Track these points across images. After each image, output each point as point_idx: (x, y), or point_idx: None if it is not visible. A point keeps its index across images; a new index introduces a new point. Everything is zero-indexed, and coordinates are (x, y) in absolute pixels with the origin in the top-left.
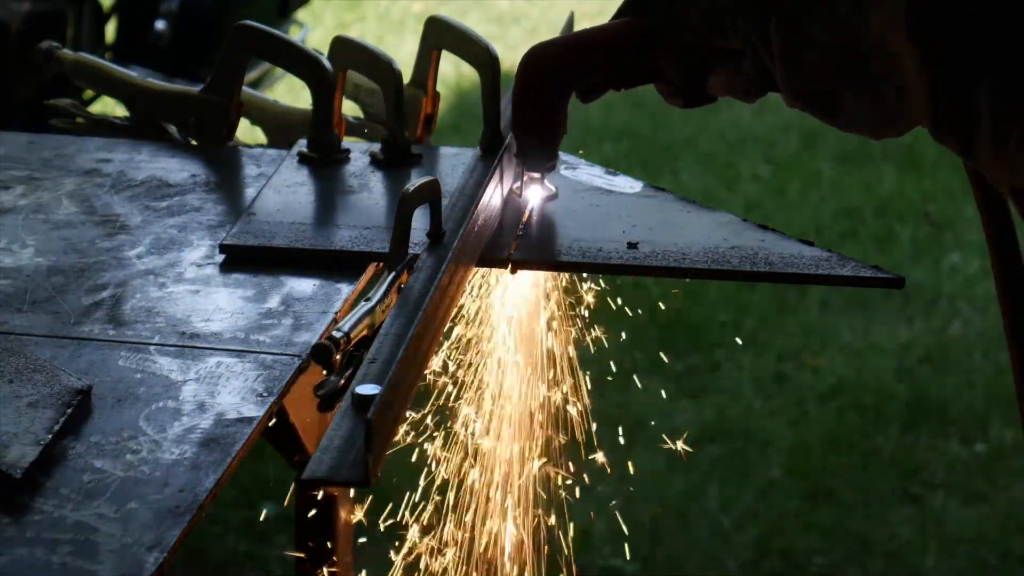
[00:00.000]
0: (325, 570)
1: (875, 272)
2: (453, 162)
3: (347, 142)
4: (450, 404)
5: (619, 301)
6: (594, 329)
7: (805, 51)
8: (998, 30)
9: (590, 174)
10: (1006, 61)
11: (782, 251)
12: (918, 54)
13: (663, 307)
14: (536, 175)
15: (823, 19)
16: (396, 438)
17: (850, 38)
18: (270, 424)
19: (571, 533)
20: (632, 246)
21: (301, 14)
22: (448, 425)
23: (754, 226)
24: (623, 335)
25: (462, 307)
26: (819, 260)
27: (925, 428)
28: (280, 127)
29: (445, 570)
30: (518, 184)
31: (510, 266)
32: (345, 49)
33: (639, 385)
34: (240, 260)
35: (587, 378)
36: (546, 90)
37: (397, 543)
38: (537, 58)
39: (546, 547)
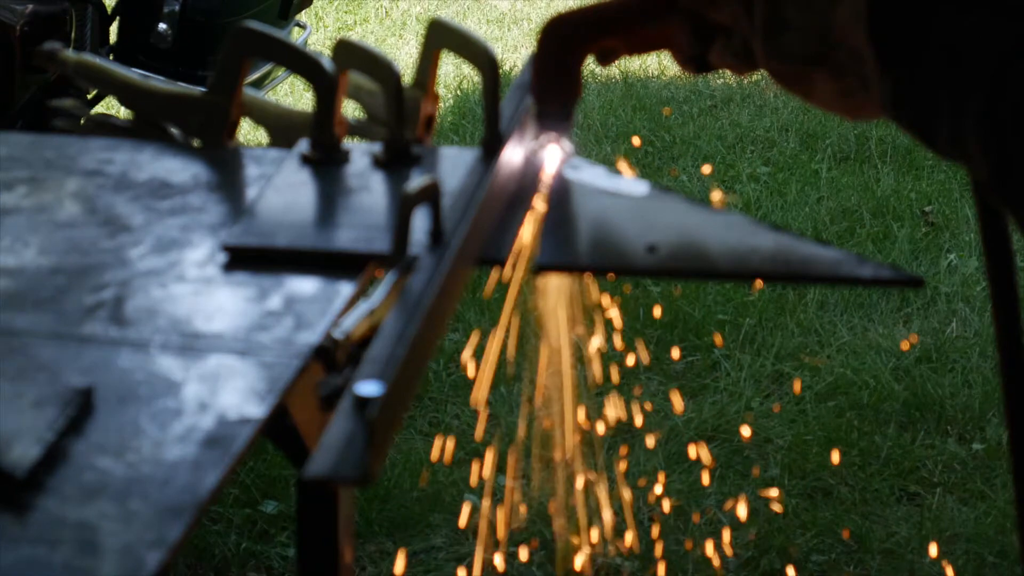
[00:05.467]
0: None
1: (894, 273)
2: (453, 162)
3: (348, 143)
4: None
5: (618, 302)
6: (594, 329)
7: (782, 32)
8: (952, 27)
9: (594, 175)
10: (960, 55)
11: (799, 252)
12: (876, 50)
13: (663, 307)
14: (553, 135)
15: (800, 4)
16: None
17: (821, 26)
18: (271, 423)
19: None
20: (651, 249)
21: (303, 16)
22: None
23: (767, 227)
24: (623, 335)
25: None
26: (837, 261)
27: (923, 427)
28: (282, 128)
29: None
30: (536, 144)
31: (533, 269)
32: (347, 51)
33: (639, 385)
34: (241, 260)
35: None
36: (564, 52)
37: None
38: (556, 23)
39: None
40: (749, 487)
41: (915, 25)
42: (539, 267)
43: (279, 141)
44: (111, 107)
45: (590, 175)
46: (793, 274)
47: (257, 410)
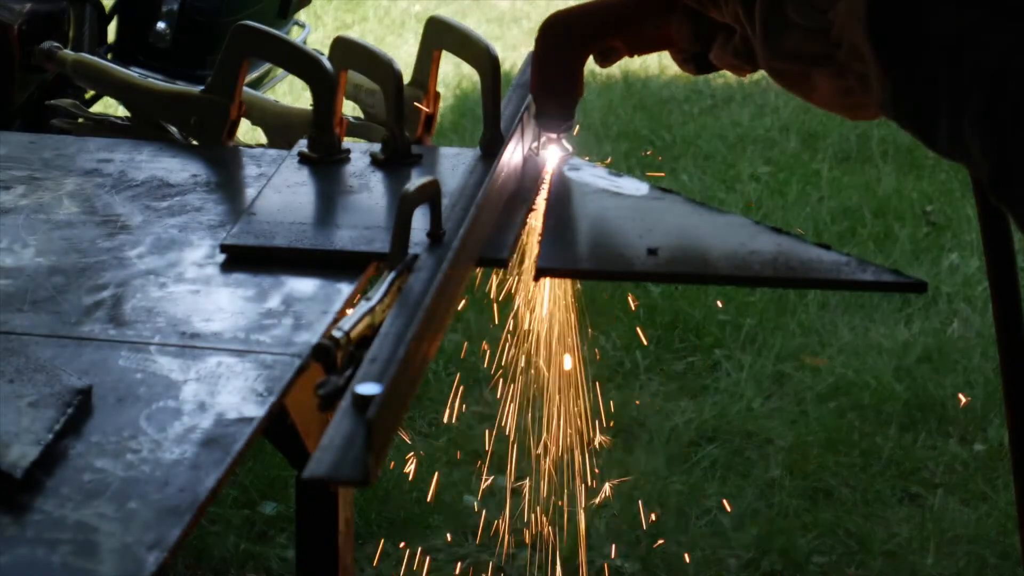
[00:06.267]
0: None
1: (897, 277)
2: (453, 162)
3: (347, 142)
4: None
5: (620, 302)
6: (595, 329)
7: (783, 31)
8: (952, 26)
9: (594, 175)
10: (960, 55)
11: (800, 256)
12: (875, 49)
13: (663, 307)
14: (553, 135)
15: (800, 3)
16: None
17: (821, 25)
18: (270, 424)
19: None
20: (652, 252)
21: (302, 15)
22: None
23: (768, 229)
24: (623, 335)
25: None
26: (839, 265)
27: (924, 428)
28: (281, 127)
29: None
30: (536, 144)
31: (535, 272)
32: (345, 49)
33: (639, 385)
34: (241, 260)
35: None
36: (564, 53)
37: None
38: (556, 23)
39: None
40: (750, 488)
41: (915, 24)
42: (540, 272)
43: (278, 140)
44: (109, 106)
45: (591, 175)
46: (794, 278)
47: (256, 410)
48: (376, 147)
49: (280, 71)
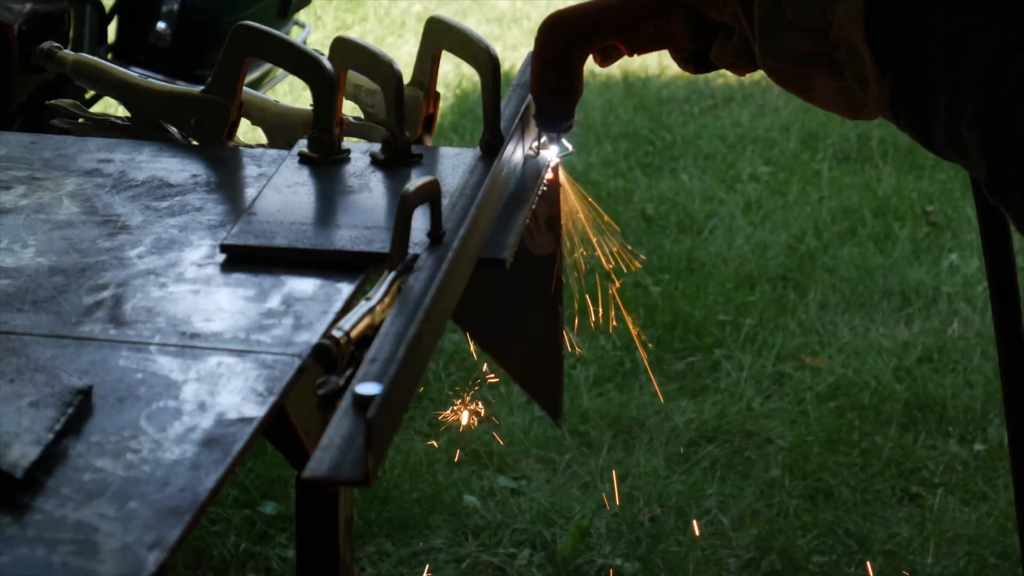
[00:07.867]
0: None
1: None
2: (453, 162)
3: (347, 142)
4: None
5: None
6: (594, 329)
7: (781, 31)
8: (951, 26)
9: None
10: (958, 55)
11: None
12: (873, 50)
13: (663, 307)
14: (554, 135)
15: (799, 3)
16: None
17: (820, 25)
18: (270, 424)
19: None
20: None
21: (302, 15)
22: None
23: None
24: (623, 335)
25: None
26: None
27: (924, 428)
28: (281, 127)
29: None
30: (536, 143)
31: None
32: (346, 50)
33: (639, 385)
34: (241, 260)
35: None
36: (563, 53)
37: None
38: (556, 22)
39: None
40: (750, 488)
41: (913, 25)
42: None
43: (278, 141)
44: (110, 106)
45: None
46: None
47: (257, 410)
48: (376, 147)
49: (280, 71)
